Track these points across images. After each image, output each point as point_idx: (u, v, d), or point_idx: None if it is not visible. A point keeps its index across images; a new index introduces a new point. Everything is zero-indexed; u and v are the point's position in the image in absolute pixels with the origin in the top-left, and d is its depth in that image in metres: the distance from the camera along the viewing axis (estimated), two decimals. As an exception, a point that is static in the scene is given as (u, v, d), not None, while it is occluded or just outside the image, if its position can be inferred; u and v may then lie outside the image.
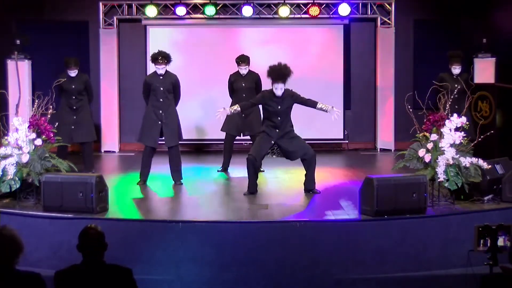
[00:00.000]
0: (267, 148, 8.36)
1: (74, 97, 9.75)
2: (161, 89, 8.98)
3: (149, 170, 9.14)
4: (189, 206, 8.15)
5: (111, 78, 12.29)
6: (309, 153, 8.35)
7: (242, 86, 10.05)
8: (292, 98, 8.31)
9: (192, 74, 11.92)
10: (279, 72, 8.21)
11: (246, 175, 8.40)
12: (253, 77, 10.12)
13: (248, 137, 10.40)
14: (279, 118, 8.27)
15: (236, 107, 8.52)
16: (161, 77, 9.01)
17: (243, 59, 10.10)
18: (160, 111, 8.99)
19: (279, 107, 8.25)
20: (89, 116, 9.99)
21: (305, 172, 8.46)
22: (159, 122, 8.98)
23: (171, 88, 9.04)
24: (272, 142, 8.33)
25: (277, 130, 8.30)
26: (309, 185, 8.46)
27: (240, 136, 10.28)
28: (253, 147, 8.53)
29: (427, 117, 7.93)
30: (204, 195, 8.64)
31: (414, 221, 7.18)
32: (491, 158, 8.02)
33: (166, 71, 9.05)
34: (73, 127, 9.67)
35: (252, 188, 8.44)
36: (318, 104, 8.31)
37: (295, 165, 9.03)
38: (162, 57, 8.95)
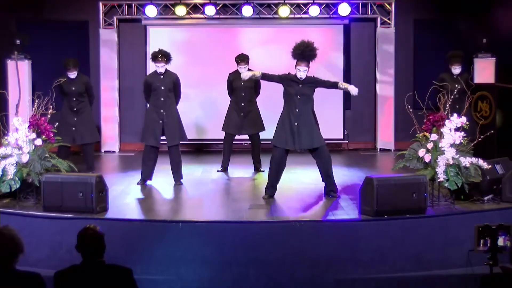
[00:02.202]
0: (287, 134, 8.06)
1: (74, 99, 9.75)
2: (162, 88, 8.98)
3: (152, 169, 9.12)
4: (189, 206, 8.15)
5: (111, 78, 12.29)
6: (324, 155, 8.16)
7: (241, 85, 10.04)
8: (313, 83, 8.16)
9: (192, 74, 11.91)
10: (302, 52, 8.09)
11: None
12: (253, 77, 10.13)
13: (247, 137, 10.41)
14: (298, 97, 8.09)
15: (258, 73, 8.32)
16: (161, 76, 9.02)
17: (242, 58, 10.10)
18: (161, 110, 8.98)
19: (300, 86, 8.07)
20: (91, 117, 10.00)
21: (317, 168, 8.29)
22: (160, 121, 8.98)
23: (172, 87, 9.04)
24: (294, 123, 8.03)
25: (297, 110, 8.07)
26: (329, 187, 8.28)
27: (239, 135, 10.28)
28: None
29: (427, 117, 7.92)
30: (204, 195, 8.64)
31: (414, 221, 7.17)
32: (491, 158, 8.01)
33: (166, 70, 9.05)
34: (74, 128, 9.68)
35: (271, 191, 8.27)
36: (339, 84, 8.31)
37: (295, 165, 9.02)
38: (162, 55, 8.95)
